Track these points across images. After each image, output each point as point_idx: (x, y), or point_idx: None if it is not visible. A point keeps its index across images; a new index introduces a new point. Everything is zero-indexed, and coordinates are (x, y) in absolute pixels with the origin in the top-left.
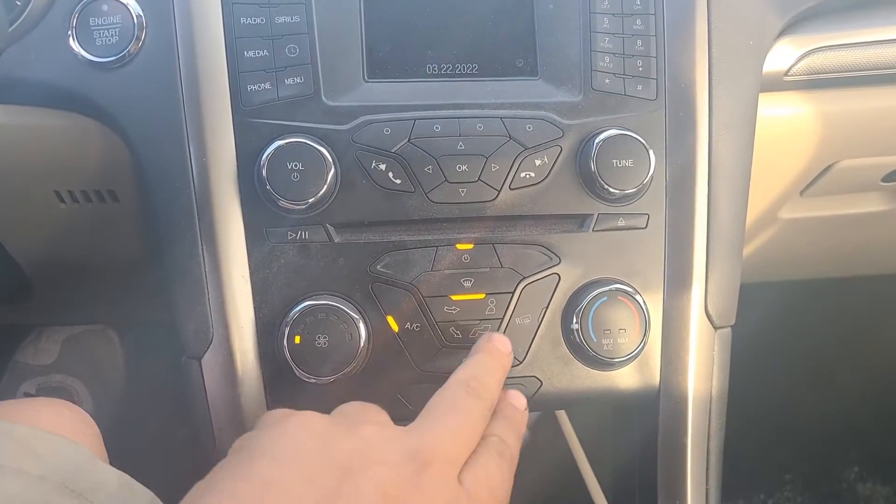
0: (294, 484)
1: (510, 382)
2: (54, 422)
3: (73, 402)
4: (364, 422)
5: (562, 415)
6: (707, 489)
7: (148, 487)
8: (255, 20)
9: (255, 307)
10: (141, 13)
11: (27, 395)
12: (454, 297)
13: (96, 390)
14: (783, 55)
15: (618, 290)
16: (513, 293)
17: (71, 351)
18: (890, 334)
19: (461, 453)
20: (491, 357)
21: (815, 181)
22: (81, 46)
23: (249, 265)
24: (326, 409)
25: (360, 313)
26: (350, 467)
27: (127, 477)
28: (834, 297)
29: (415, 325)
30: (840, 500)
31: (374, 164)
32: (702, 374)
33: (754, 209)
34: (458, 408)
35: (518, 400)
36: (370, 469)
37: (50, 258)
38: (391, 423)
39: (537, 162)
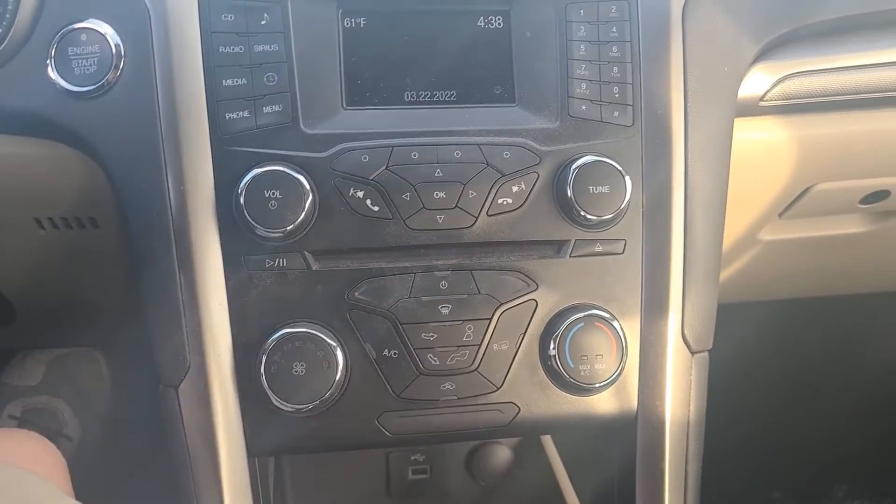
0: None
1: (488, 408)
2: (16, 451)
3: (59, 422)
4: None
5: (547, 440)
6: None
7: None
8: (233, 49)
9: (232, 335)
10: (119, 42)
11: (11, 417)
12: (432, 324)
13: (81, 411)
14: (758, 81)
15: (595, 315)
16: (490, 319)
17: (56, 372)
18: (875, 352)
19: None
20: None
21: (793, 204)
22: (60, 75)
23: (227, 293)
24: (306, 437)
25: (338, 341)
26: None
27: None
28: (821, 315)
29: (393, 352)
30: None
31: (352, 192)
32: (679, 398)
33: (734, 231)
34: None
35: None
36: None
37: (31, 283)
38: None
39: (514, 188)
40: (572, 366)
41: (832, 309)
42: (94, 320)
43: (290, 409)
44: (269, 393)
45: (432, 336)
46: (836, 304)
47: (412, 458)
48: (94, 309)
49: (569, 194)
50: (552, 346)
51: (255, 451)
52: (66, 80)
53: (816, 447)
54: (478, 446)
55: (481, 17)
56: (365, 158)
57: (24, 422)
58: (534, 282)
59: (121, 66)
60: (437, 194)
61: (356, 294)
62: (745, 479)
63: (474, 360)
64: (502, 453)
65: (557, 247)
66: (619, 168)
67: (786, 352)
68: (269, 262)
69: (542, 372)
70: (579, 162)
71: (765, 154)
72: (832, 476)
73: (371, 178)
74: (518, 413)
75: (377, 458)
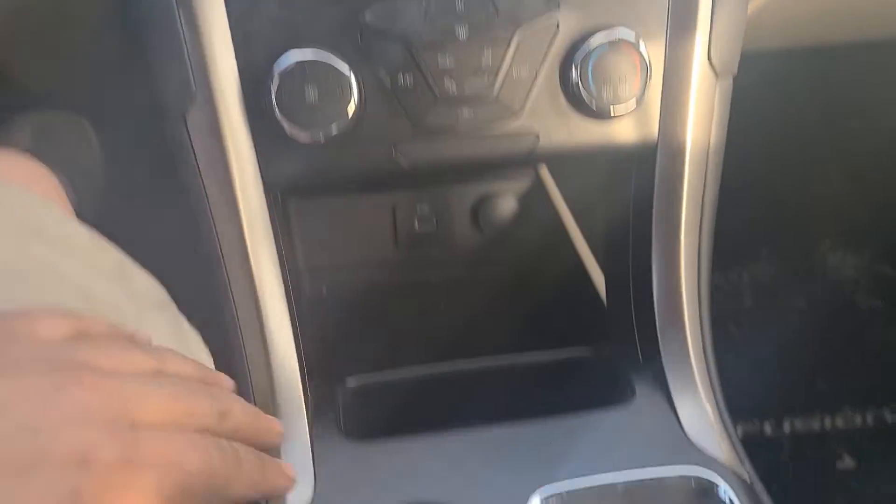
0: None
1: (507, 135)
2: (14, 169)
3: None
4: None
5: (543, 170)
6: (700, 239)
7: None
8: None
9: (237, 61)
10: None
11: None
12: (449, 47)
13: (76, 181)
14: None
15: (619, 37)
16: (509, 42)
17: (44, 139)
18: (874, 106)
19: None
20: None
21: None
22: None
23: (228, 17)
24: (321, 169)
25: (351, 67)
26: None
27: (96, 235)
28: (822, 68)
29: (408, 78)
30: (812, 272)
31: None
32: (701, 124)
33: None
34: None
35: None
36: None
37: (13, 37)
38: None
39: None
40: (594, 90)
41: (838, 60)
42: (81, 79)
43: (304, 139)
44: (282, 121)
45: (449, 60)
46: (842, 55)
47: (418, 205)
48: (80, 64)
49: None
50: (574, 70)
51: (270, 183)
52: None
53: (807, 204)
54: (482, 197)
55: None
56: None
57: None
58: (555, 1)
59: None
60: None
61: (367, 16)
62: (735, 236)
63: (493, 85)
64: (507, 202)
65: None
66: None
67: (782, 107)
68: None
69: (563, 98)
70: None
71: None
72: (819, 231)
73: None
74: (538, 140)
75: (383, 210)
